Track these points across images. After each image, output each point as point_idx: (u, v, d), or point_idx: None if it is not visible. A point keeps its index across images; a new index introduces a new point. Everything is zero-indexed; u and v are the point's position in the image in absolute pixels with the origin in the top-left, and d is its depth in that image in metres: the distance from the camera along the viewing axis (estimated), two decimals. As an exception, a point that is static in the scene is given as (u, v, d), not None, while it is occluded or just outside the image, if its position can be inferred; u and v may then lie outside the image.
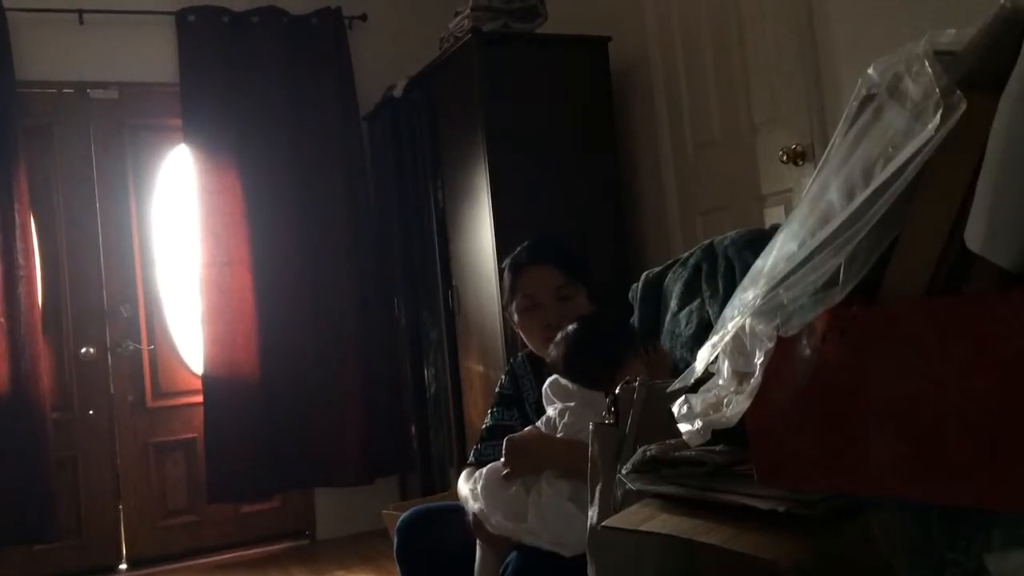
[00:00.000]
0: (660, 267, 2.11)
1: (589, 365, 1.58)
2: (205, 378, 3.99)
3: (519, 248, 1.91)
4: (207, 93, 4.05)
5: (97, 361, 4.04)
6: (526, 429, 1.66)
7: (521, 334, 1.88)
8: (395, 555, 1.74)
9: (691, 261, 2.01)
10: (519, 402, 1.91)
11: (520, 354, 1.97)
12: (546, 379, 1.79)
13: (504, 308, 1.92)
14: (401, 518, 1.76)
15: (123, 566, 4.04)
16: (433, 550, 1.72)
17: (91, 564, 3.96)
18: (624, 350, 1.60)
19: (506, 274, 1.88)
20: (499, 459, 1.78)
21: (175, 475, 4.15)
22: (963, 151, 0.64)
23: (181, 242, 4.17)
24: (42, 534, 3.68)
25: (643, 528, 0.85)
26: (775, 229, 1.99)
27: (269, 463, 4.00)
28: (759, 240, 1.95)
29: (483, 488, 1.61)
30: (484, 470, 1.65)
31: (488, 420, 1.94)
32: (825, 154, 0.76)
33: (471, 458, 1.91)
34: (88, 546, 3.96)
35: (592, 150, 3.41)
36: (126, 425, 4.08)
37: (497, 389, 1.98)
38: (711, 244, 2.04)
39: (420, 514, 1.78)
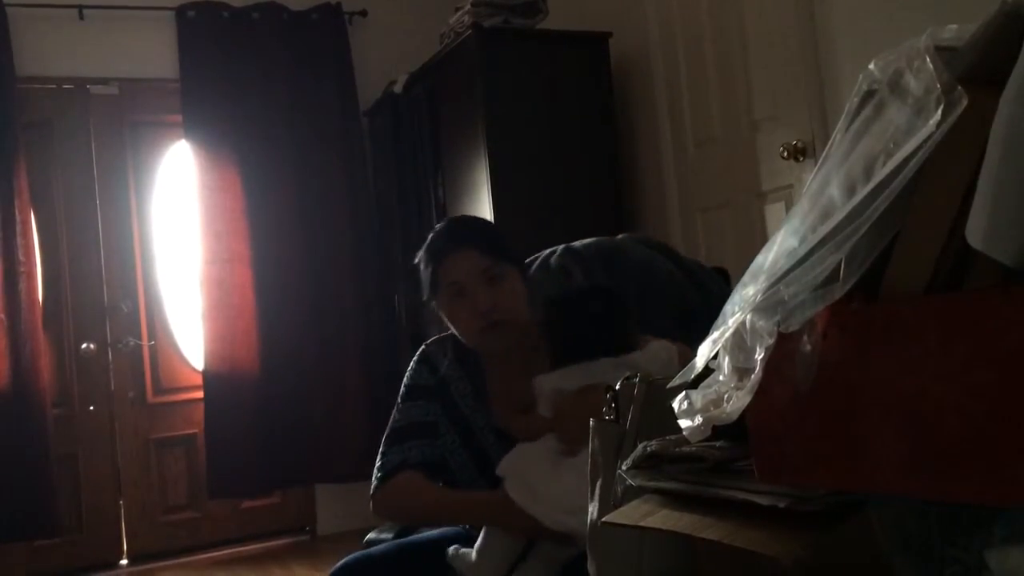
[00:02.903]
0: None
1: (621, 329, 1.49)
2: (206, 374, 4.00)
3: (432, 235, 1.66)
4: (207, 89, 4.05)
5: (97, 357, 4.04)
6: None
7: (450, 326, 1.65)
8: None
9: (553, 263, 2.03)
10: (442, 393, 1.67)
11: (431, 342, 1.74)
12: (473, 365, 1.65)
13: (425, 303, 1.68)
14: (332, 570, 1.56)
15: (124, 562, 4.05)
16: None
17: (92, 560, 3.97)
18: (633, 308, 1.56)
19: (423, 266, 1.64)
20: (420, 459, 1.59)
21: (176, 471, 4.16)
22: (964, 147, 0.64)
23: (181, 238, 4.18)
24: (43, 530, 3.69)
25: (643, 524, 0.85)
26: (625, 240, 2.07)
27: (269, 459, 4.01)
28: (608, 249, 2.05)
29: (530, 487, 1.40)
30: (510, 463, 1.45)
31: (401, 418, 1.66)
32: (826, 150, 0.76)
33: (381, 470, 1.62)
34: (89, 542, 3.97)
35: (592, 146, 3.41)
36: (127, 421, 4.08)
37: (408, 380, 1.69)
38: (569, 248, 2.07)
39: (353, 565, 1.58)
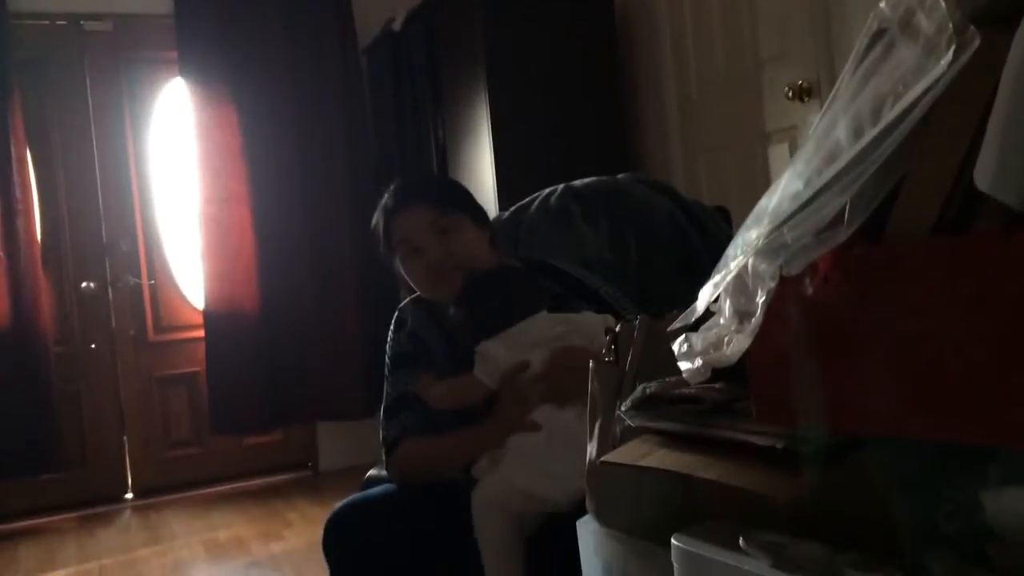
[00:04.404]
0: (507, 212, 2.15)
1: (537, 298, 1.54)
2: (206, 313, 4.01)
3: (383, 198, 1.70)
4: (202, 25, 3.99)
5: (98, 295, 4.06)
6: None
7: (409, 282, 1.68)
8: (323, 553, 1.51)
9: (552, 203, 2.04)
10: (424, 355, 1.66)
11: (404, 305, 1.76)
12: (445, 320, 1.63)
13: (388, 265, 1.72)
14: (334, 510, 1.54)
15: (129, 495, 4.12)
16: (367, 549, 1.48)
17: (98, 494, 4.04)
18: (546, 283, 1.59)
19: (378, 229, 1.68)
20: (417, 426, 1.58)
21: (178, 408, 4.21)
22: (975, 88, 0.63)
23: (179, 176, 4.15)
24: (48, 465, 3.75)
25: (642, 463, 0.86)
26: (626, 180, 2.08)
27: (271, 397, 4.05)
28: (609, 189, 2.09)
29: (541, 470, 1.37)
30: (511, 448, 1.42)
31: (392, 391, 1.66)
32: (833, 91, 0.75)
33: (384, 445, 1.63)
34: (94, 477, 4.04)
35: (595, 86, 3.36)
36: (128, 359, 4.11)
37: (390, 352, 1.71)
38: (569, 187, 2.10)
39: (353, 507, 1.55)
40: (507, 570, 1.39)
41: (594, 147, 3.31)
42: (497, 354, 1.47)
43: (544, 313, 1.50)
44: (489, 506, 1.41)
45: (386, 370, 1.70)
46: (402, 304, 1.76)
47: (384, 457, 1.65)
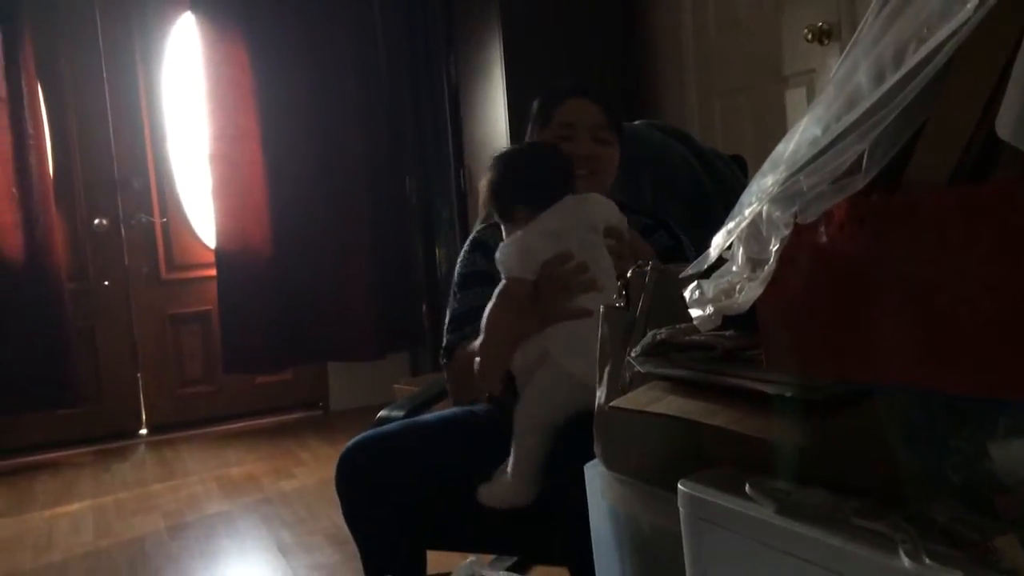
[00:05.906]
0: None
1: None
2: (218, 252, 4.02)
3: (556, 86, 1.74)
4: (213, -42, 3.92)
5: (110, 233, 4.07)
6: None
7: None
8: (336, 488, 1.53)
9: None
10: (496, 274, 1.61)
11: (484, 228, 1.77)
12: None
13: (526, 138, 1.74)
14: (347, 446, 1.54)
15: (143, 431, 4.18)
16: (379, 485, 1.50)
17: (112, 429, 4.11)
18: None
19: (538, 106, 1.70)
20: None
21: (191, 346, 4.25)
22: (1000, 34, 0.61)
23: (191, 114, 4.12)
24: (63, 400, 3.80)
25: (650, 409, 0.86)
26: (642, 127, 2.06)
27: (282, 336, 4.08)
28: (626, 134, 2.00)
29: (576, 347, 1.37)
30: (558, 330, 1.43)
31: (459, 306, 1.69)
32: (855, 34, 0.73)
33: (445, 353, 1.68)
34: (109, 412, 4.10)
35: (611, 28, 3.30)
36: (142, 297, 4.14)
37: (462, 269, 1.73)
38: None
39: (366, 444, 1.55)
40: (529, 468, 1.42)
41: (610, 91, 3.27)
42: (533, 245, 1.47)
43: (569, 196, 1.51)
44: (533, 424, 1.43)
45: (454, 287, 1.74)
46: (481, 227, 1.80)
47: (443, 364, 1.69)
